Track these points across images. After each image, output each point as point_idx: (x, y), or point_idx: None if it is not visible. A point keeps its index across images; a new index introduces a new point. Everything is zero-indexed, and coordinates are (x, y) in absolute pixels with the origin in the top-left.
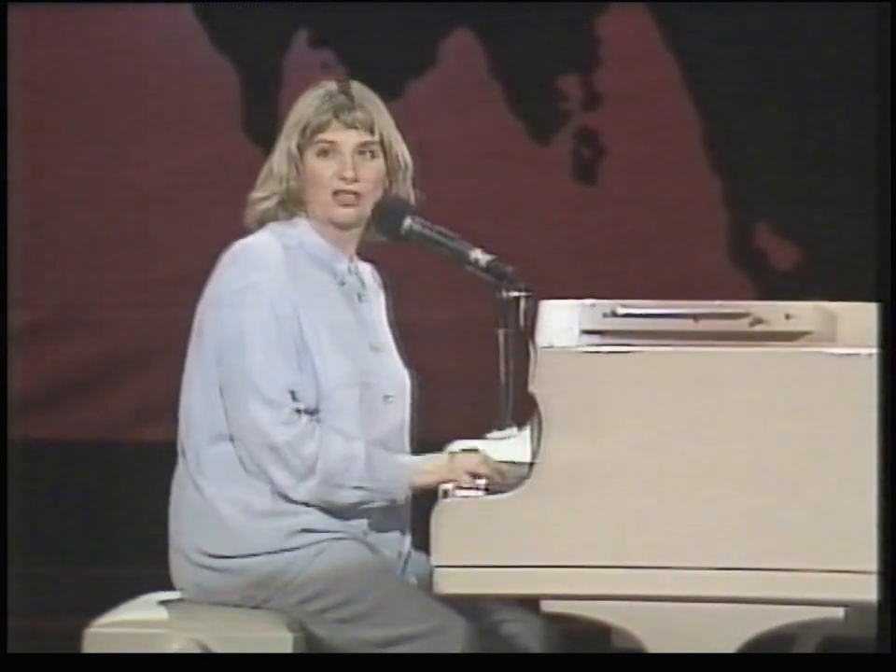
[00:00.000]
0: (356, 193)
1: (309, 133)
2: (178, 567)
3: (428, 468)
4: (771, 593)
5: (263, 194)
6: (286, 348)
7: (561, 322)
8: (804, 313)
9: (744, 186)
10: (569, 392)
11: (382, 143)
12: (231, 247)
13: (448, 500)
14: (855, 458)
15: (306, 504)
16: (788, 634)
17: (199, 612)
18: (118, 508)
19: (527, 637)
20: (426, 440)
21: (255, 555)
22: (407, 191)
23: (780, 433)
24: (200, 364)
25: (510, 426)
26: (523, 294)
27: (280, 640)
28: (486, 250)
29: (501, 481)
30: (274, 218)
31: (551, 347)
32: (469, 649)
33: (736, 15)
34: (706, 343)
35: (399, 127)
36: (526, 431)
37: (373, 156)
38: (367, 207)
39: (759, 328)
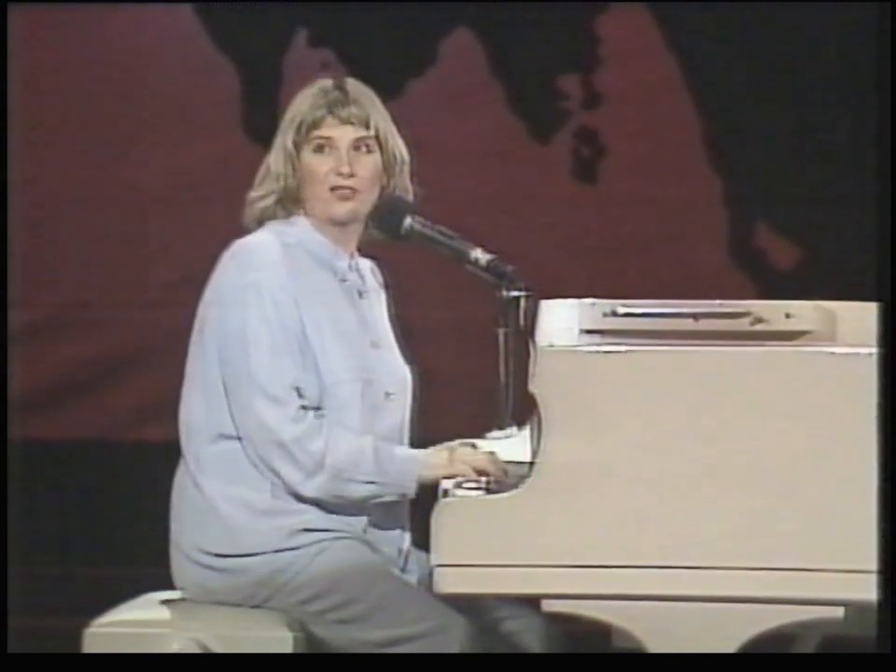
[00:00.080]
0: (352, 188)
1: (304, 130)
2: (179, 566)
3: (436, 461)
4: (771, 593)
5: (261, 193)
6: (289, 345)
7: (561, 321)
8: (804, 312)
9: (744, 185)
10: (569, 392)
11: (378, 138)
12: (231, 247)
13: (448, 499)
14: (855, 458)
15: (316, 500)
16: (788, 634)
17: (199, 612)
18: (118, 508)
19: (527, 635)
20: (426, 439)
21: (255, 555)
22: (405, 186)
23: (780, 433)
24: (201, 363)
25: (510, 425)
26: (523, 293)
27: (280, 640)
28: (486, 249)
29: (506, 480)
30: (273, 217)
31: (551, 347)
32: (469, 648)
33: (736, 15)
34: (706, 343)
35: (396, 122)
36: (526, 431)
37: (369, 151)
38: (364, 203)
39: (759, 327)
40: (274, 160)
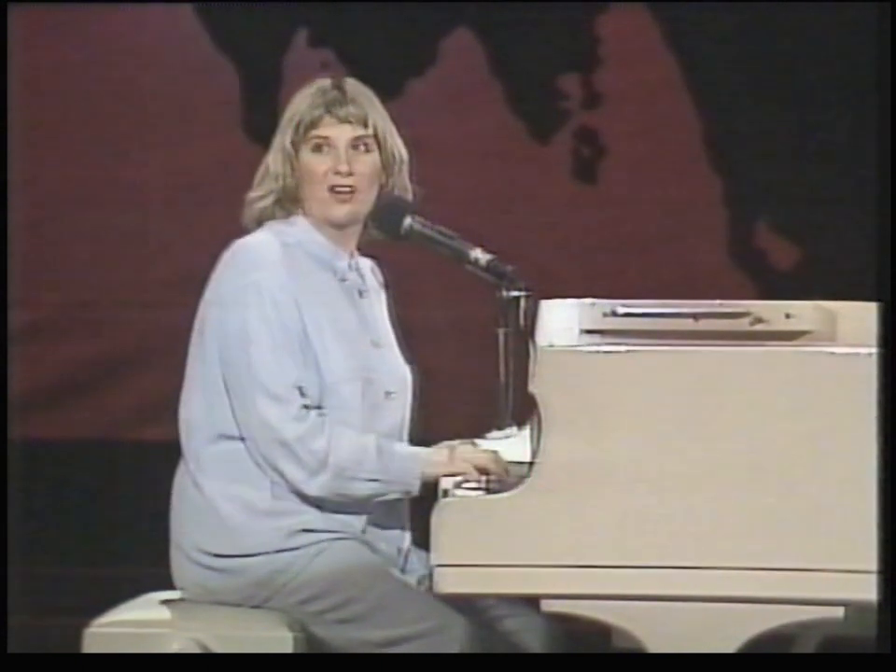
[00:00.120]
0: (350, 187)
1: (303, 130)
2: (179, 566)
3: (439, 459)
4: (771, 593)
5: (260, 193)
6: (290, 345)
7: (561, 321)
8: (804, 312)
9: (744, 185)
10: (569, 392)
11: (376, 136)
12: (231, 247)
13: (448, 499)
14: (855, 458)
15: (320, 499)
16: (788, 634)
17: (199, 612)
18: (118, 508)
19: (527, 633)
20: (426, 439)
21: (255, 555)
22: (404, 185)
23: (780, 433)
24: (201, 364)
25: (510, 425)
26: (523, 293)
27: (280, 640)
28: (486, 249)
29: (508, 479)
30: (272, 217)
31: (551, 347)
32: (468, 648)
33: (736, 14)
34: (706, 343)
35: (396, 122)
36: (526, 431)
37: (368, 150)
38: (363, 202)
39: (759, 327)
40: (273, 159)
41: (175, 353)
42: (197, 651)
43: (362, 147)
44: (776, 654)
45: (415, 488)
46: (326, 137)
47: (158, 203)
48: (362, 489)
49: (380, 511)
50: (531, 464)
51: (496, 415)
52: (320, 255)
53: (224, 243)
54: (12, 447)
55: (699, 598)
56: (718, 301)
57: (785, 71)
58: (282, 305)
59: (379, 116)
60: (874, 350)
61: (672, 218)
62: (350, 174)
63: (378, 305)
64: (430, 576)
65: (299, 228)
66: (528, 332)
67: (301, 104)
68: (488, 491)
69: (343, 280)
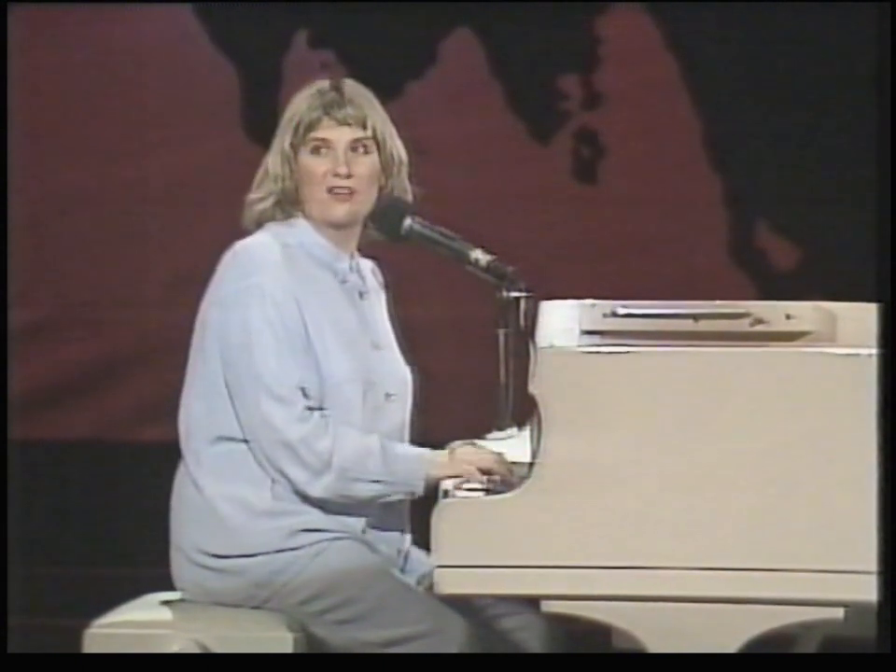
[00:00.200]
0: (349, 189)
1: (302, 132)
2: (179, 566)
3: (443, 460)
4: (771, 593)
5: (260, 195)
6: (293, 346)
7: (561, 322)
8: (804, 313)
9: (744, 185)
10: (569, 392)
11: (375, 138)
12: (231, 249)
13: (448, 500)
14: (855, 458)
15: (323, 500)
16: (788, 634)
17: (199, 612)
18: (118, 508)
19: (526, 633)
20: (426, 439)
21: (254, 555)
22: (404, 187)
23: (780, 433)
24: (202, 365)
25: (510, 426)
26: (523, 294)
27: (280, 640)
28: (486, 250)
29: (511, 480)
30: (272, 219)
31: (551, 347)
32: (468, 649)
33: (736, 15)
34: (706, 343)
35: (395, 123)
36: (526, 431)
37: (367, 151)
38: (362, 203)
39: (759, 328)
40: (272, 161)
41: (174, 353)
42: (197, 651)
43: (361, 149)
44: (776, 654)
45: (419, 489)
46: (324, 139)
47: (158, 203)
48: (366, 490)
49: (380, 512)
50: (531, 464)
51: (496, 416)
52: (321, 256)
53: (224, 243)
54: (12, 447)
55: (699, 598)
56: (718, 302)
57: (785, 71)
58: (283, 306)
59: (378, 117)
60: (874, 351)
61: (672, 218)
62: (349, 175)
63: (378, 306)
64: (430, 575)
65: (299, 229)
66: (528, 333)
67: (299, 105)
68: (489, 492)
69: (344, 281)
